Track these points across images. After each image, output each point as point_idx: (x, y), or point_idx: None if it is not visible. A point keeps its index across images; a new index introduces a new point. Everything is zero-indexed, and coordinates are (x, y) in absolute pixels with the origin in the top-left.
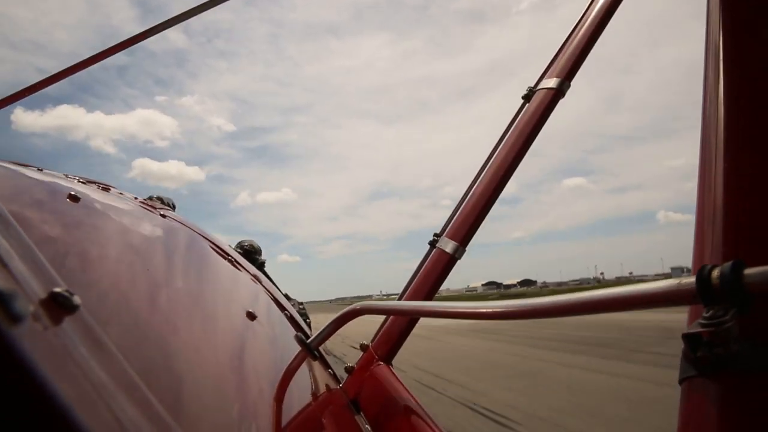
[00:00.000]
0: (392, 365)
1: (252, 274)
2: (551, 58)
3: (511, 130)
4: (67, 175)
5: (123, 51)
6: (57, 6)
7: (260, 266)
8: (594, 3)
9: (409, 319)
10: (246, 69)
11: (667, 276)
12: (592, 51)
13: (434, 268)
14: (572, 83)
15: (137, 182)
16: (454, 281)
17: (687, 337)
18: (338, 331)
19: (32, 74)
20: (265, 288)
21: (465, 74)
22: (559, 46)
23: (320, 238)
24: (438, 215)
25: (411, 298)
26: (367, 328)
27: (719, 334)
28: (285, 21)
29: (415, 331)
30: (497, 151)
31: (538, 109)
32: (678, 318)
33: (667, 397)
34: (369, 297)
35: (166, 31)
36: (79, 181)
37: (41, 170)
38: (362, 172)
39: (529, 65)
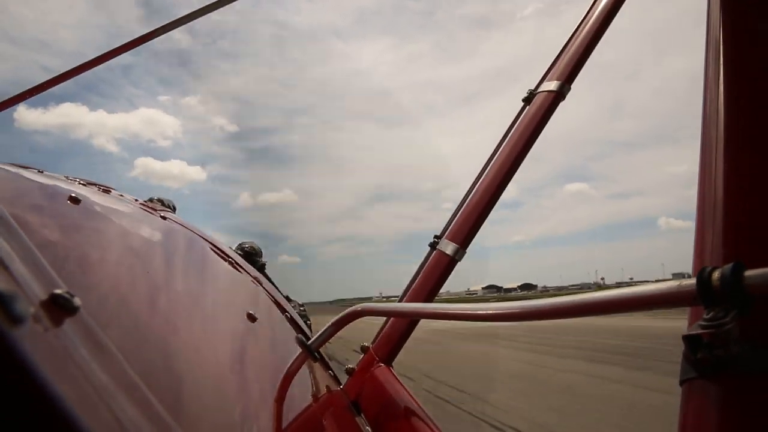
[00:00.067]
0: (393, 367)
1: (252, 276)
2: (552, 61)
3: (511, 133)
4: (67, 177)
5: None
6: (61, 4)
7: (261, 268)
8: (595, 6)
9: (410, 320)
10: (250, 70)
11: None
12: (595, 56)
13: (434, 269)
14: (574, 88)
15: (139, 181)
16: (454, 284)
17: (687, 339)
18: (340, 334)
19: (36, 72)
20: (266, 290)
21: (470, 79)
22: (560, 49)
23: (320, 239)
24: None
25: (411, 299)
26: (368, 332)
27: (719, 336)
28: (290, 23)
29: (422, 336)
30: (498, 154)
31: (539, 111)
32: None
33: None
34: (369, 298)
35: (170, 31)
36: (80, 183)
37: (42, 172)
38: (364, 175)
39: (534, 70)
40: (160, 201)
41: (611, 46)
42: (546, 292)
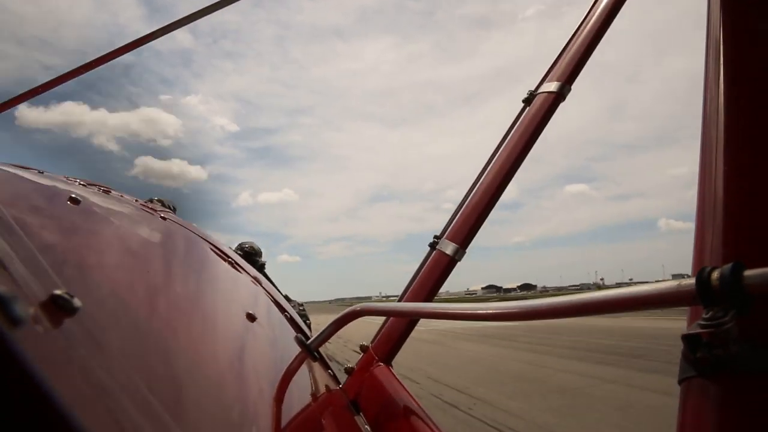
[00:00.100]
0: (392, 366)
1: (252, 276)
2: (552, 62)
3: (511, 134)
4: (67, 178)
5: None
6: (64, 3)
7: (260, 268)
8: (595, 7)
9: (409, 320)
10: (251, 70)
11: None
12: (597, 59)
13: (434, 269)
14: (575, 89)
15: (139, 180)
16: (453, 284)
17: (686, 338)
18: (341, 335)
19: (38, 71)
20: (265, 290)
21: (470, 79)
22: (560, 50)
23: (320, 238)
24: (439, 219)
25: (411, 299)
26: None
27: (719, 335)
28: (292, 23)
29: (423, 336)
30: (498, 154)
31: (539, 112)
32: None
33: None
34: (368, 298)
35: (173, 31)
36: (80, 184)
37: (42, 173)
38: (364, 175)
39: (535, 71)
40: (161, 201)
41: (612, 48)
42: (545, 292)
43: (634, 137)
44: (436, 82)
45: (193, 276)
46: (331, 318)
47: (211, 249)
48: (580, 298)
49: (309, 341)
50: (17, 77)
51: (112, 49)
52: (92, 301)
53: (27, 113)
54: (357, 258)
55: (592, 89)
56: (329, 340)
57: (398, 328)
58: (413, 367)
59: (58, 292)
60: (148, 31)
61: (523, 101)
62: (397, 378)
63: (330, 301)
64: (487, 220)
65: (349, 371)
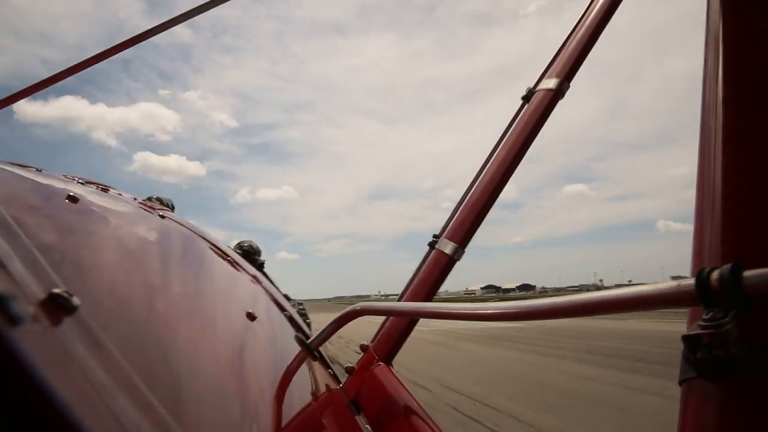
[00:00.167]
0: (392, 365)
1: (251, 275)
2: (551, 59)
3: (510, 132)
4: (65, 176)
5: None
6: None
7: (260, 267)
8: (594, 3)
9: (409, 319)
10: (251, 65)
11: None
12: (597, 58)
13: (433, 269)
14: (575, 89)
15: (138, 176)
16: (452, 284)
17: (687, 339)
18: (342, 335)
19: (36, 65)
20: (265, 289)
21: (471, 76)
22: (559, 47)
23: (320, 236)
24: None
25: (410, 298)
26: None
27: (719, 336)
28: (291, 18)
29: (425, 336)
30: (496, 153)
31: (537, 109)
32: None
33: None
34: (368, 296)
35: (173, 27)
36: (78, 182)
37: (40, 171)
38: (363, 172)
39: (535, 68)
40: (159, 200)
41: (612, 47)
42: (544, 292)
43: (633, 137)
44: (437, 79)
45: (192, 275)
46: (331, 316)
47: (210, 248)
48: (580, 298)
49: (309, 340)
50: (15, 71)
51: (112, 44)
52: (91, 299)
53: (26, 108)
54: (356, 256)
55: (591, 88)
56: (331, 341)
57: (398, 327)
58: (420, 371)
59: (57, 290)
60: (147, 26)
61: (522, 98)
62: (397, 377)
63: (329, 299)
64: (486, 219)
65: (349, 371)
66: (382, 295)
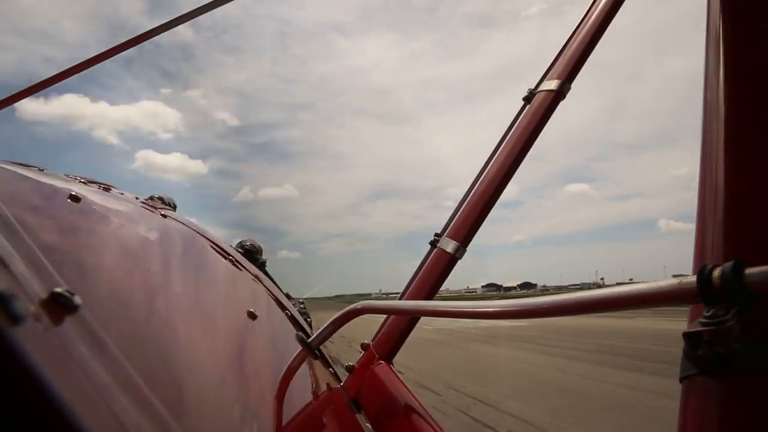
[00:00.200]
0: (393, 364)
1: (253, 274)
2: (552, 60)
3: (511, 132)
4: (68, 175)
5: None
6: None
7: (261, 266)
8: (595, 5)
9: (410, 318)
10: (252, 65)
11: None
12: (598, 58)
13: (435, 267)
14: (575, 88)
15: (140, 174)
16: (453, 282)
17: (688, 336)
18: (344, 334)
19: (39, 64)
20: (266, 288)
21: (472, 77)
22: (560, 48)
23: (320, 235)
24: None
25: (411, 297)
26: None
27: (720, 333)
28: (293, 19)
29: (431, 336)
30: (498, 152)
31: (539, 110)
32: None
33: None
34: (368, 295)
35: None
36: (80, 182)
37: (43, 170)
38: (364, 172)
39: (537, 70)
40: (161, 199)
41: (612, 47)
42: (546, 291)
43: (634, 137)
44: (438, 80)
45: (193, 274)
46: (331, 315)
47: (212, 247)
48: (581, 295)
49: (310, 339)
50: (17, 69)
51: (113, 42)
52: (93, 298)
53: (27, 106)
54: (357, 254)
55: (592, 88)
56: (332, 341)
57: (399, 326)
58: (433, 376)
59: (58, 289)
60: (149, 24)
61: (524, 99)
62: (398, 376)
63: (330, 298)
64: (487, 218)
65: (350, 369)
66: (383, 294)
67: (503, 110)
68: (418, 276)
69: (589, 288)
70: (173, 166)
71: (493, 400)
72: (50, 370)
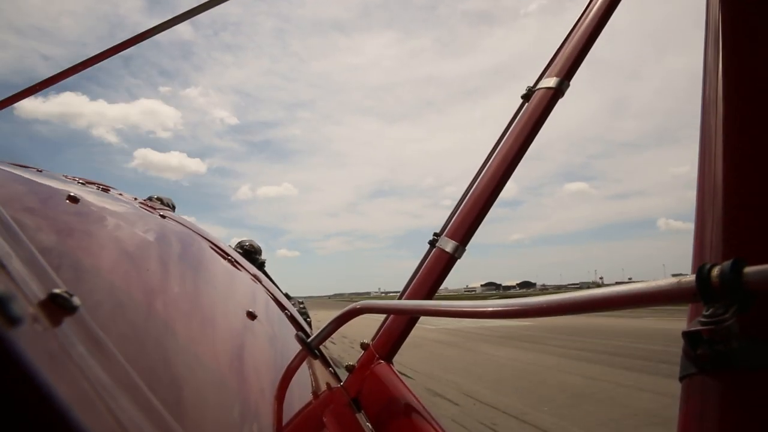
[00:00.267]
0: (393, 363)
1: (252, 274)
2: (550, 58)
3: (510, 130)
4: (66, 176)
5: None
6: None
7: (260, 266)
8: (593, 2)
9: (410, 317)
10: (251, 63)
11: None
12: (597, 56)
13: (434, 267)
14: (576, 87)
15: (138, 172)
16: (452, 281)
17: (687, 335)
18: (346, 334)
19: (37, 61)
20: (266, 288)
21: (471, 75)
22: (559, 46)
23: (320, 233)
24: (439, 215)
25: (411, 296)
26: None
27: (719, 332)
28: (292, 16)
29: (436, 337)
30: (497, 151)
31: (537, 108)
32: None
33: None
34: (367, 294)
35: (175, 25)
36: (79, 182)
37: (41, 171)
38: (364, 170)
39: (536, 67)
40: (160, 199)
41: (612, 45)
42: (545, 290)
43: (634, 136)
44: (437, 78)
45: (192, 275)
46: (331, 313)
47: (211, 247)
48: (581, 295)
49: (309, 339)
50: (16, 67)
51: (112, 40)
52: (92, 300)
53: (26, 104)
54: (356, 253)
55: (592, 87)
56: (333, 341)
57: (399, 325)
58: (445, 382)
59: (57, 291)
60: (148, 22)
61: (522, 97)
62: (398, 375)
63: (329, 296)
64: (486, 217)
65: (350, 369)
66: (382, 292)
67: (502, 108)
68: (418, 275)
69: (589, 287)
70: (172, 165)
71: (519, 410)
72: (49, 371)
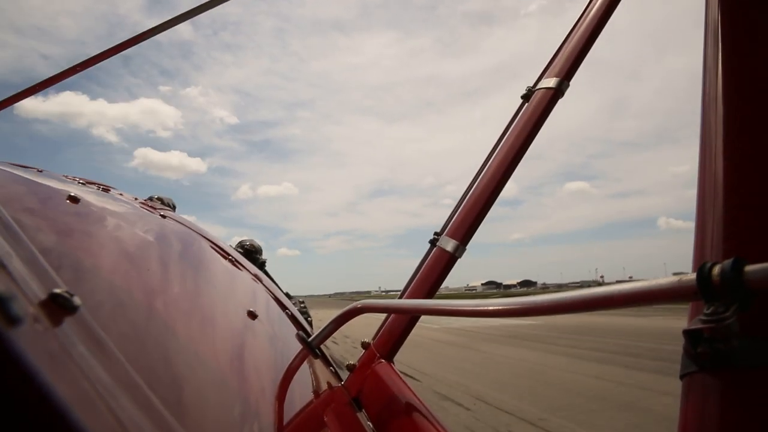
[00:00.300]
0: (394, 362)
1: (253, 274)
2: (550, 58)
3: (510, 130)
4: (66, 176)
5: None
6: None
7: (261, 265)
8: (593, 2)
9: (411, 317)
10: (251, 63)
11: None
12: (597, 56)
13: (435, 266)
14: (576, 87)
15: (138, 172)
16: (453, 280)
17: (688, 334)
18: (347, 334)
19: (36, 61)
20: (266, 287)
21: (471, 75)
22: (558, 46)
23: (320, 233)
24: (439, 214)
25: (412, 296)
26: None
27: (720, 331)
28: (292, 16)
29: (441, 337)
30: (497, 151)
31: (537, 108)
32: None
33: None
34: (368, 292)
35: (176, 26)
36: (79, 183)
37: (41, 171)
38: (364, 169)
39: (536, 68)
40: (160, 199)
41: (612, 45)
42: (546, 289)
43: (634, 135)
44: (437, 78)
45: (193, 274)
46: (331, 312)
47: (211, 247)
48: (582, 294)
49: (310, 338)
50: (15, 66)
51: (112, 40)
52: (93, 299)
53: (26, 103)
54: (356, 252)
55: (592, 87)
56: (335, 341)
57: (400, 324)
58: (455, 384)
59: (58, 290)
60: (148, 22)
61: (522, 97)
62: (399, 375)
63: (329, 295)
64: (487, 216)
65: (350, 368)
66: (382, 291)
67: (502, 108)
68: (418, 275)
69: (589, 286)
70: (172, 164)
71: (535, 415)
72: (50, 371)
